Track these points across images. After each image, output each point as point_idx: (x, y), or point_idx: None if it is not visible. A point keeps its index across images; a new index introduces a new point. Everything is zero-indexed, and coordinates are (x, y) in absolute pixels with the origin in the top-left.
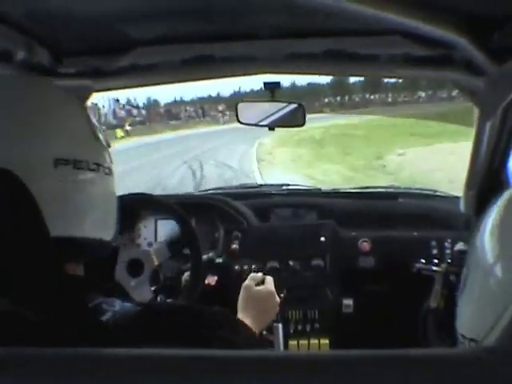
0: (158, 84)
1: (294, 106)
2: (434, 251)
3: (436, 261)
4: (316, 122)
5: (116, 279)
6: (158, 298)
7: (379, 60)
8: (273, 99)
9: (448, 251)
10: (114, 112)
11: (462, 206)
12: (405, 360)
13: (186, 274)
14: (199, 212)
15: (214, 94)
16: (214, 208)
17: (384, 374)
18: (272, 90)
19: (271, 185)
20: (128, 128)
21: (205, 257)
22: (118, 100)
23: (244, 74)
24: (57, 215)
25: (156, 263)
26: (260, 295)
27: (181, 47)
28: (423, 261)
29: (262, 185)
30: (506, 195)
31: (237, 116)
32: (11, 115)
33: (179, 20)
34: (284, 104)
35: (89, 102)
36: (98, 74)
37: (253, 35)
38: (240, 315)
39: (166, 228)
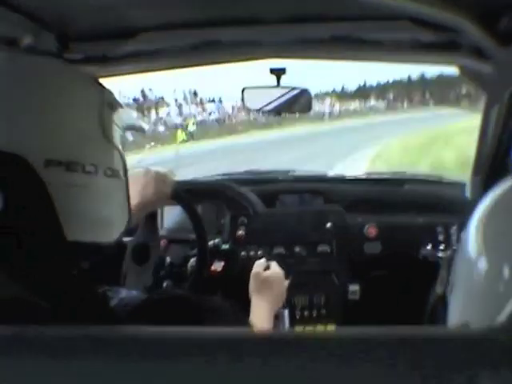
0: (164, 69)
1: (299, 91)
2: (441, 237)
3: (442, 247)
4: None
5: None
6: (164, 284)
7: (386, 45)
8: (278, 85)
9: (454, 237)
10: (180, 107)
11: (468, 192)
12: (411, 339)
13: (192, 260)
14: (205, 198)
15: (338, 89)
16: (220, 194)
17: (392, 352)
18: (278, 75)
19: (277, 171)
20: (192, 128)
21: (211, 243)
22: (195, 93)
23: (250, 59)
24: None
25: (162, 249)
26: (270, 279)
27: (187, 32)
28: (429, 247)
29: (268, 171)
30: (498, 188)
31: (242, 101)
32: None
33: (184, 4)
34: (290, 90)
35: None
36: (103, 59)
37: (259, 20)
38: (255, 301)
39: (172, 214)
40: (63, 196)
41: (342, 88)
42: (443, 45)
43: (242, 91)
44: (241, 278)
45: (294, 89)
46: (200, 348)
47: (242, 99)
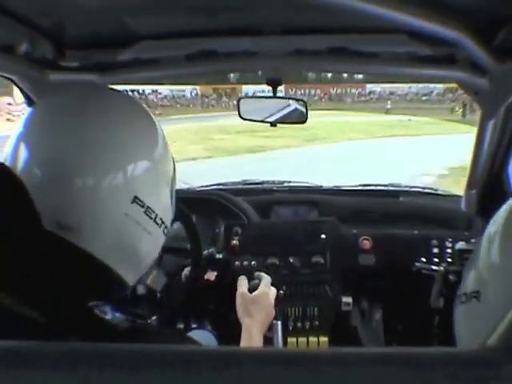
0: (161, 79)
1: (296, 102)
2: (435, 250)
3: (436, 260)
4: None
5: None
6: (158, 294)
7: (383, 58)
8: (274, 96)
9: (449, 250)
10: None
11: (463, 205)
12: (404, 359)
13: (186, 270)
14: (200, 207)
15: None
16: (215, 203)
17: (385, 373)
18: (274, 86)
19: (273, 181)
20: None
21: (205, 252)
22: None
23: (247, 70)
24: (108, 243)
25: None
26: (259, 299)
27: (184, 42)
28: (423, 259)
29: (263, 181)
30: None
31: (238, 112)
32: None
33: (183, 14)
34: (286, 101)
35: None
36: (100, 67)
37: (256, 31)
38: (246, 324)
39: None
40: (129, 231)
41: None
42: (440, 59)
43: (238, 101)
44: (234, 287)
45: (289, 99)
46: (200, 364)
47: (238, 109)
